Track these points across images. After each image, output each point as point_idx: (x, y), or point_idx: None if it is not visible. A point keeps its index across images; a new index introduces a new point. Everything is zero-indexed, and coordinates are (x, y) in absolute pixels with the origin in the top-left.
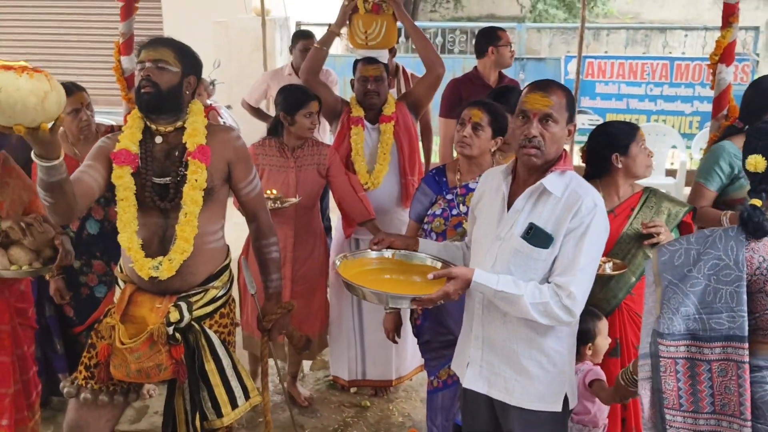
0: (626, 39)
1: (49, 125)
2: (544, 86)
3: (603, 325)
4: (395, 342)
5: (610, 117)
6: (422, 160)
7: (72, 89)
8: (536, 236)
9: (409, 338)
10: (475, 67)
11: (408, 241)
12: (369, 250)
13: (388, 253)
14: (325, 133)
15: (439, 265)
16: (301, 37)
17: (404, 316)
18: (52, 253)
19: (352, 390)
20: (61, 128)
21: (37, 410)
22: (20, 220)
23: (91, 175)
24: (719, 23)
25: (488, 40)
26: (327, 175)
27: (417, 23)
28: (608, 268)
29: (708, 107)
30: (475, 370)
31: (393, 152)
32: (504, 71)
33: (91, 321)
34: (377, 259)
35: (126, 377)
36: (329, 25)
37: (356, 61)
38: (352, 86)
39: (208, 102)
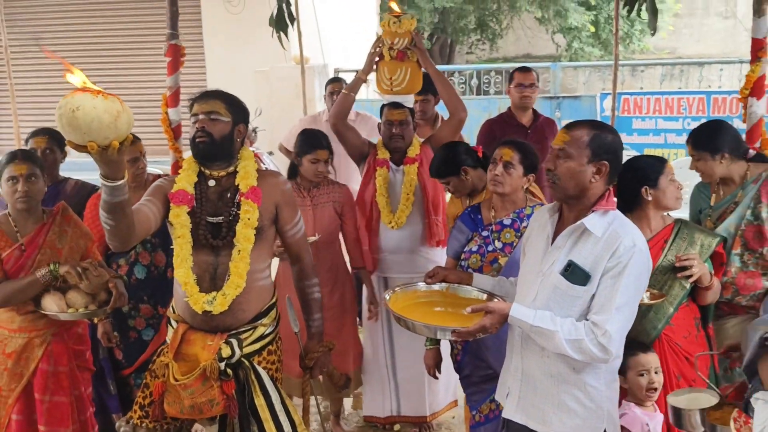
0: (662, 74)
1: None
2: (569, 125)
3: (635, 360)
4: (436, 378)
5: (648, 152)
6: None
7: (133, 139)
8: (574, 273)
9: (442, 374)
10: (509, 107)
11: (462, 275)
12: (419, 283)
13: (437, 287)
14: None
15: (480, 296)
16: (330, 82)
17: (444, 351)
18: (107, 296)
19: (396, 427)
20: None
21: None
22: (77, 265)
23: (149, 207)
24: None
25: (509, 81)
26: (340, 214)
27: (454, 66)
28: (646, 298)
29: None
30: (513, 401)
31: (417, 193)
32: (539, 110)
33: (140, 363)
34: (426, 293)
35: (179, 414)
36: (357, 71)
37: (383, 106)
38: (379, 129)
39: (251, 149)
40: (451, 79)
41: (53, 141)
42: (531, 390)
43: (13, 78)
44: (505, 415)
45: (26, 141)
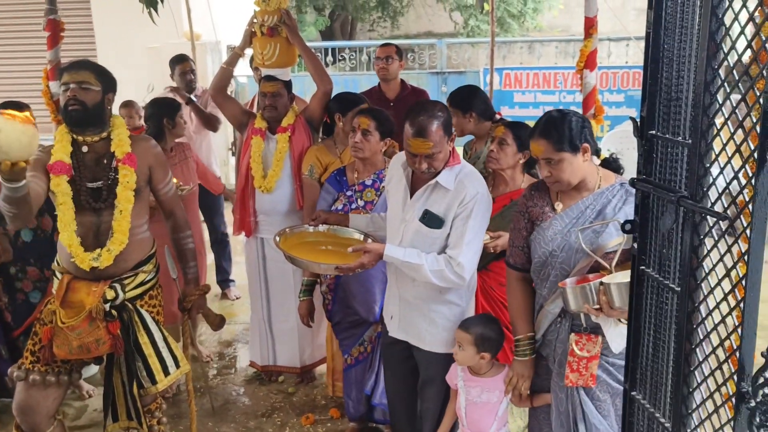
0: (557, 51)
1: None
2: (423, 129)
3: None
4: (309, 326)
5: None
6: None
7: (10, 105)
8: (431, 219)
9: (315, 331)
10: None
11: (340, 217)
12: (306, 226)
13: (322, 228)
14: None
15: (359, 237)
16: (178, 62)
17: (317, 303)
18: None
19: (280, 378)
20: None
21: None
22: None
23: (37, 183)
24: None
25: None
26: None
27: (356, 42)
28: (486, 238)
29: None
30: (395, 323)
31: (288, 160)
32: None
33: (28, 324)
34: (312, 233)
35: (69, 354)
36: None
37: (260, 79)
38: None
39: (140, 123)
40: (351, 55)
41: None
42: (408, 311)
43: None
44: (391, 334)
45: None
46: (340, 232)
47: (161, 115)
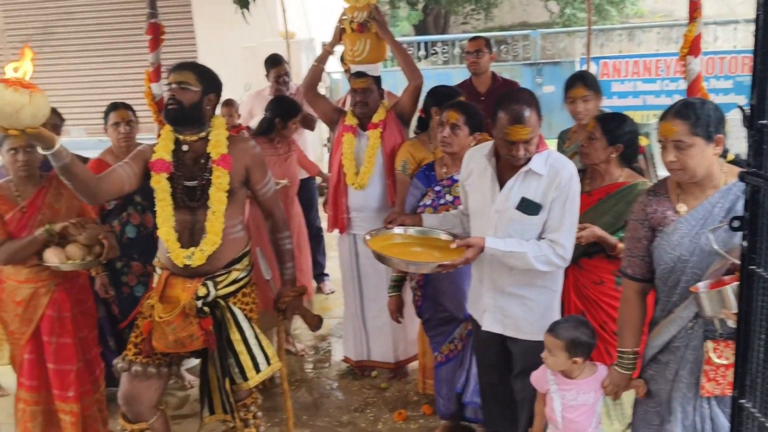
0: (659, 37)
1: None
2: (520, 116)
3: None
4: (399, 322)
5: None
6: None
7: (117, 106)
8: (528, 207)
9: (409, 326)
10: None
11: (414, 217)
12: (387, 228)
13: (399, 230)
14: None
15: (447, 237)
16: (272, 64)
17: (406, 299)
18: (101, 250)
19: (374, 373)
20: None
21: (101, 384)
22: (73, 220)
23: (125, 170)
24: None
25: None
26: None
27: (448, 35)
28: None
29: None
30: (490, 316)
31: (380, 156)
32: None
33: (132, 317)
34: (398, 236)
35: (166, 348)
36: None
37: (350, 75)
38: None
39: (238, 122)
40: (444, 49)
41: (59, 118)
42: (504, 302)
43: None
44: (484, 328)
45: None
46: (428, 233)
47: (277, 114)
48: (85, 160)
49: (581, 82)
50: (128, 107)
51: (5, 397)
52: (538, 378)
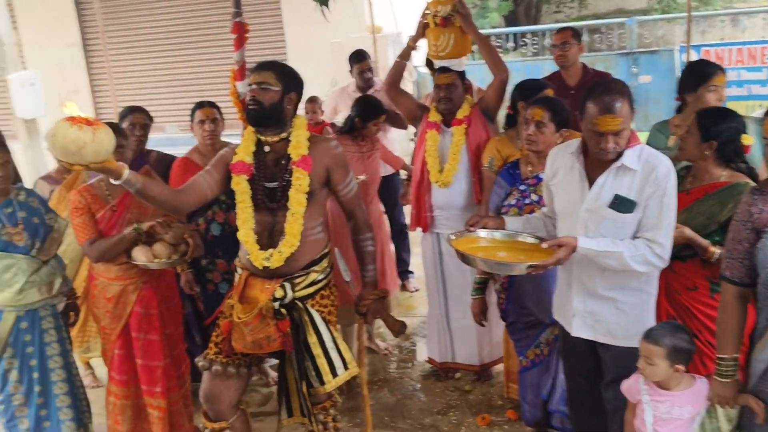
0: (765, 23)
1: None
2: (610, 106)
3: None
4: (482, 325)
5: (731, 104)
6: None
7: (202, 104)
8: (622, 204)
9: (494, 329)
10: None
11: (497, 221)
12: (468, 231)
13: (484, 233)
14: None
15: (533, 240)
16: (356, 60)
17: (490, 301)
18: (186, 248)
19: (457, 375)
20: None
21: (186, 380)
22: (160, 220)
23: (206, 179)
24: None
25: None
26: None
27: (537, 26)
28: None
29: None
30: (579, 320)
31: (465, 153)
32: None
33: (217, 314)
34: (483, 238)
35: (244, 348)
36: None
37: (434, 71)
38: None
39: (322, 118)
40: (533, 40)
41: (148, 118)
42: (595, 306)
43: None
44: (574, 334)
45: (122, 116)
46: (514, 236)
47: (357, 113)
48: (172, 158)
49: (722, 71)
50: (213, 105)
51: (100, 388)
52: (630, 387)
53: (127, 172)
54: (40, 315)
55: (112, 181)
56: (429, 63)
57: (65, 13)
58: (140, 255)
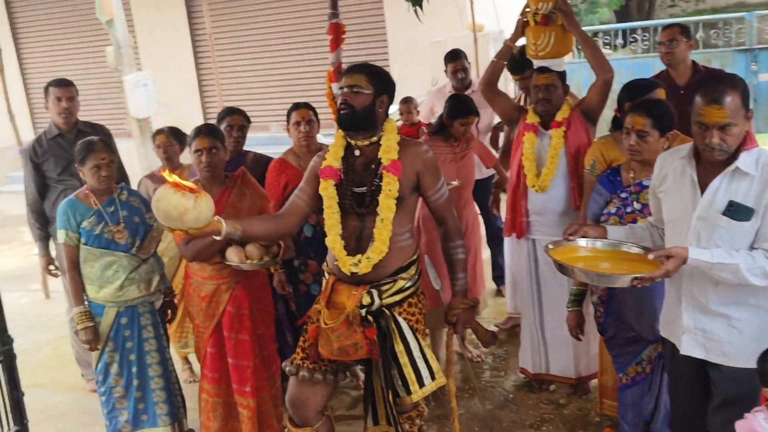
0: None
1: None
2: (717, 96)
3: None
4: (579, 339)
5: None
6: None
7: (298, 105)
8: (738, 211)
9: (591, 342)
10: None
11: (598, 230)
12: (567, 240)
13: (584, 242)
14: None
15: (638, 250)
16: (450, 60)
17: (587, 312)
18: (278, 249)
19: (552, 387)
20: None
21: (276, 381)
22: None
23: (301, 197)
24: None
25: None
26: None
27: (647, 22)
28: None
29: None
30: (690, 337)
31: (563, 157)
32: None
33: (308, 315)
34: (583, 248)
35: (330, 354)
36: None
37: (533, 71)
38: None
39: (417, 119)
40: (644, 36)
41: (245, 119)
42: (707, 323)
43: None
44: (683, 351)
45: (220, 118)
46: (616, 245)
47: (444, 112)
48: (268, 159)
49: None
50: (309, 107)
51: (197, 383)
52: (750, 427)
53: (224, 228)
54: (138, 311)
55: (214, 236)
56: (513, 67)
57: (177, 16)
58: (233, 255)
